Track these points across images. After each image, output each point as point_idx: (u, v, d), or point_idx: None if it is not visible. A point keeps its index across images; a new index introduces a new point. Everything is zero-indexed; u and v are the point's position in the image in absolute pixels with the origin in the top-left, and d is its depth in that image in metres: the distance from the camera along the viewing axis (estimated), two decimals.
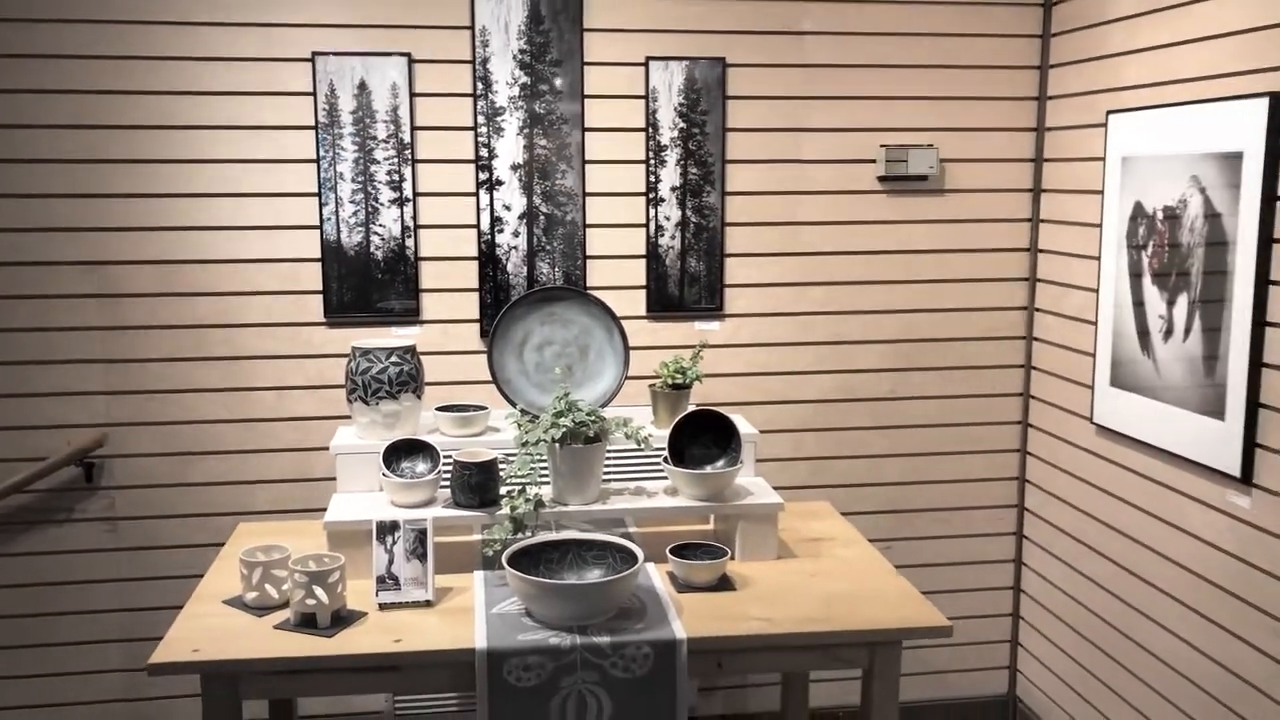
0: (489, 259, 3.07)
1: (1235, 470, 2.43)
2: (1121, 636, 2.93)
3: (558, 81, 3.02)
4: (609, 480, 2.63)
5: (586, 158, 3.06)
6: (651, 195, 3.10)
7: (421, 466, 2.56)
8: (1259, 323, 2.36)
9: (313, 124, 2.96)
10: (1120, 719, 2.96)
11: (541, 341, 2.76)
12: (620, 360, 2.74)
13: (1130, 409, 2.82)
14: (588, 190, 3.08)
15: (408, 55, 2.96)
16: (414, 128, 2.99)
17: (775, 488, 2.75)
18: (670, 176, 3.10)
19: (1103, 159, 2.92)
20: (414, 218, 3.03)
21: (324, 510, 3.07)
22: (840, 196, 3.20)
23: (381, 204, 3.01)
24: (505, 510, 2.43)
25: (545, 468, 2.53)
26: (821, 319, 3.25)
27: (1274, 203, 2.31)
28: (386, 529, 2.34)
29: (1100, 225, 2.94)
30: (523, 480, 2.48)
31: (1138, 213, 2.77)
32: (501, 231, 3.06)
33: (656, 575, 2.44)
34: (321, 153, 2.96)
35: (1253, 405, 2.38)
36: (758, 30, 3.09)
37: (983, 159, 3.24)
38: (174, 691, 3.14)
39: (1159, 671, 2.78)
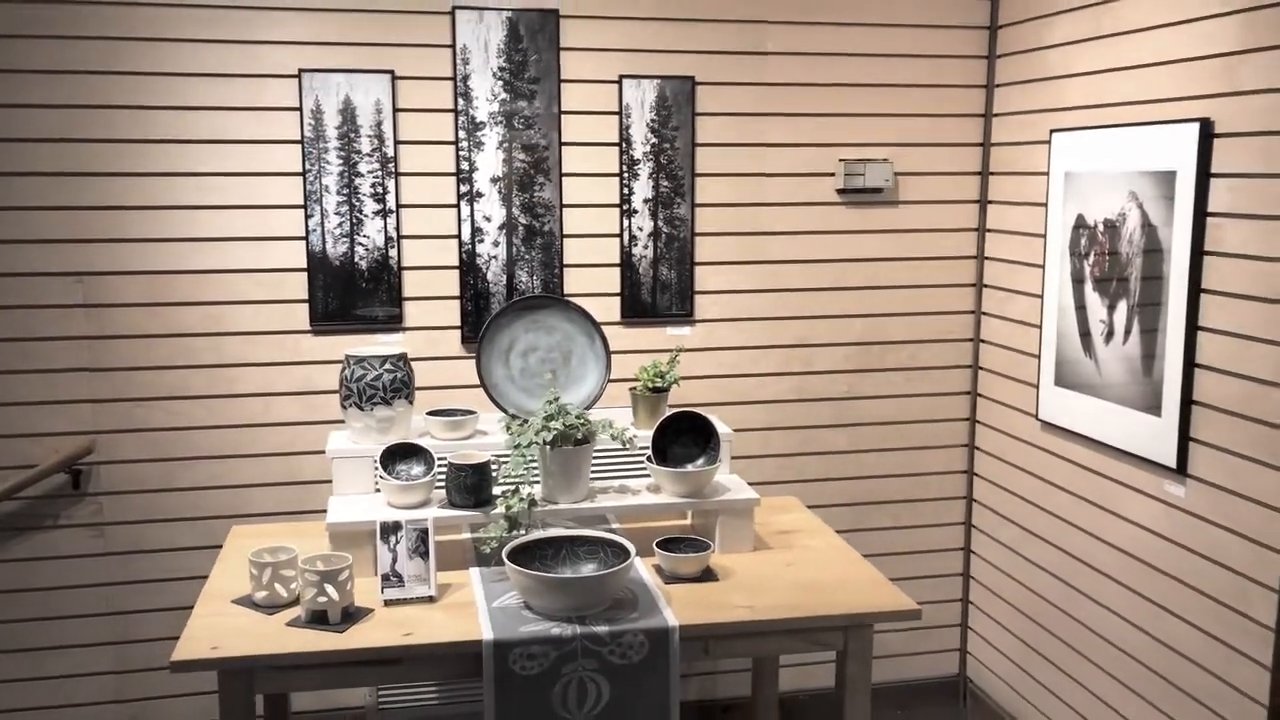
0: (470, 268, 3.19)
1: (1171, 462, 2.66)
2: (1065, 617, 3.16)
3: (536, 98, 3.15)
4: (594, 479, 2.77)
5: (564, 171, 3.20)
6: (625, 207, 3.25)
7: (417, 469, 2.67)
8: (1192, 327, 2.58)
9: (299, 138, 3.05)
10: (1065, 693, 3.19)
11: (526, 348, 2.89)
12: (602, 365, 2.88)
13: (1073, 406, 3.04)
14: (565, 202, 3.22)
15: (391, 72, 3.07)
16: (397, 142, 3.11)
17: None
18: (643, 189, 3.25)
19: (1046, 174, 3.14)
20: (397, 228, 3.14)
21: (313, 512, 3.19)
22: (802, 208, 3.38)
23: (366, 215, 3.11)
24: (500, 509, 2.56)
25: (536, 468, 2.66)
26: (785, 324, 3.43)
27: (1205, 218, 2.54)
28: (390, 529, 2.45)
29: (1044, 235, 3.16)
30: (516, 480, 2.61)
31: (1080, 224, 2.99)
32: (482, 241, 3.19)
33: (643, 568, 2.59)
34: (307, 166, 3.06)
35: (1187, 402, 2.61)
36: (725, 50, 3.25)
37: (933, 172, 3.45)
38: (163, 692, 3.21)
39: (1101, 648, 3.01)
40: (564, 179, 3.21)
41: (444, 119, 3.13)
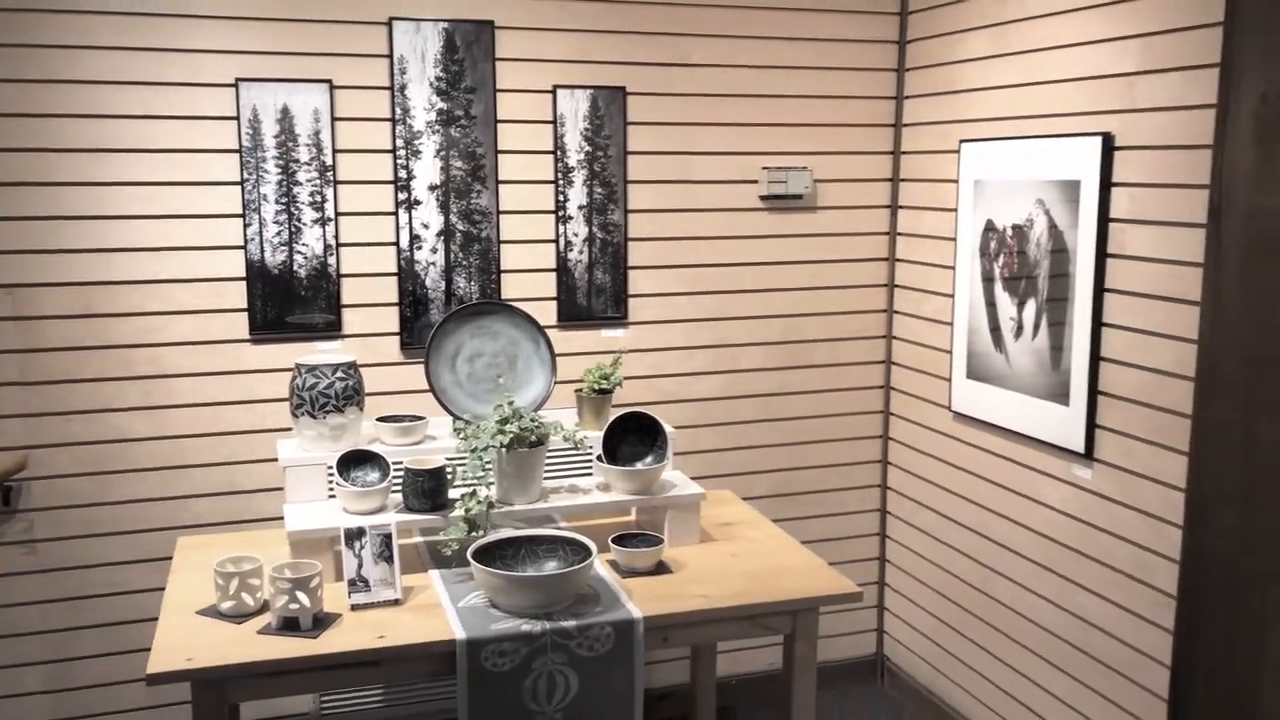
0: (408, 275, 3.24)
1: (1079, 447, 2.89)
2: (980, 594, 3.39)
3: (472, 107, 3.21)
4: (544, 480, 2.86)
5: (500, 178, 3.27)
6: (561, 213, 3.34)
7: (373, 475, 2.72)
8: (1097, 324, 2.82)
9: (236, 147, 3.04)
10: (981, 666, 3.42)
11: (472, 353, 2.95)
12: (548, 369, 2.97)
13: (985, 397, 3.27)
14: (501, 209, 3.29)
15: (329, 82, 3.08)
16: (335, 150, 3.13)
17: None
18: (578, 196, 3.35)
19: (956, 181, 3.36)
20: (336, 236, 3.16)
21: (255, 521, 3.20)
22: (728, 213, 3.53)
23: (304, 224, 3.12)
24: (459, 512, 2.63)
25: (493, 470, 2.73)
26: (713, 324, 3.57)
27: (1107, 224, 2.77)
28: (354, 535, 2.50)
29: (955, 239, 3.38)
30: (474, 483, 2.68)
31: (989, 228, 3.21)
32: (420, 248, 3.23)
33: (600, 564, 2.69)
34: (245, 175, 3.05)
35: (1093, 392, 2.85)
36: (654, 62, 3.37)
37: (849, 179, 3.64)
38: (100, 710, 3.16)
39: (1014, 622, 3.24)
40: (501, 186, 3.28)
41: (382, 128, 3.16)
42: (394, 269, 3.23)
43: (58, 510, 3.05)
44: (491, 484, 2.74)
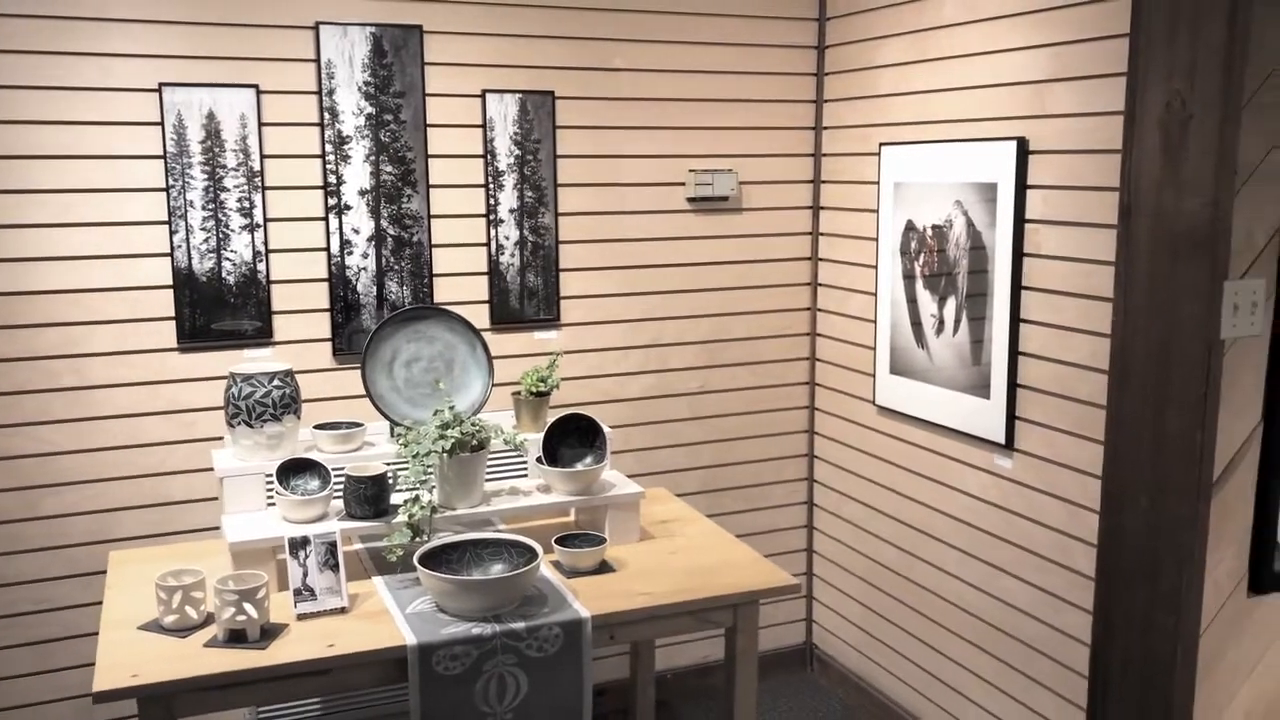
0: (339, 280, 3.22)
1: (1000, 438, 3.02)
2: (905, 582, 3.51)
3: (402, 111, 3.20)
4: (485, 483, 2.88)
5: (431, 183, 3.27)
6: (492, 217, 3.36)
7: (313, 483, 2.70)
8: (1015, 320, 2.95)
9: (161, 153, 2.99)
10: (908, 651, 3.54)
11: (409, 358, 2.95)
12: (485, 371, 2.98)
13: (908, 391, 3.39)
14: (433, 213, 3.29)
15: (255, 86, 3.05)
16: (263, 156, 3.09)
17: None
18: (509, 199, 3.36)
19: (877, 183, 3.47)
20: (265, 243, 3.12)
21: (186, 532, 3.15)
22: (656, 215, 3.58)
23: (232, 230, 3.08)
24: (402, 518, 2.63)
25: (434, 475, 2.74)
26: (642, 325, 3.62)
27: (1024, 224, 2.90)
28: (299, 544, 2.49)
29: (876, 239, 3.49)
30: (416, 489, 2.69)
31: (909, 228, 3.33)
32: (351, 254, 3.22)
33: (544, 565, 2.73)
34: (171, 181, 3.00)
35: (1012, 386, 2.98)
36: (580, 66, 3.40)
37: (772, 181, 3.73)
38: None
39: (940, 607, 3.37)
40: (431, 190, 3.28)
41: (310, 133, 3.14)
42: (325, 275, 3.21)
43: None
44: (433, 489, 2.76)
